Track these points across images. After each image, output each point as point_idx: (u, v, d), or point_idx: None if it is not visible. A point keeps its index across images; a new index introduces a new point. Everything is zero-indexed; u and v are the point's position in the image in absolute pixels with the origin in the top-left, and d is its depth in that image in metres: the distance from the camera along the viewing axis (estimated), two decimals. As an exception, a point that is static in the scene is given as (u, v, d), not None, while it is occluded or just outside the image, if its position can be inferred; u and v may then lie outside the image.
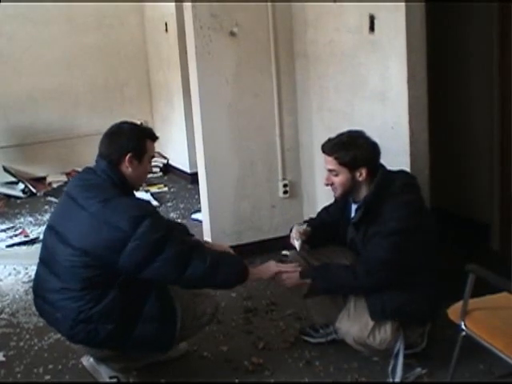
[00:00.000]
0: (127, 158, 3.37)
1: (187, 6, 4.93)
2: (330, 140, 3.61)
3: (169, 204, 6.99)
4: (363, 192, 3.55)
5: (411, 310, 3.48)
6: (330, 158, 3.53)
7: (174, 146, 7.59)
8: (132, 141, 3.41)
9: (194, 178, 6.92)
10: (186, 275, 3.26)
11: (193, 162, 7.01)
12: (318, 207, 5.19)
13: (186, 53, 5.24)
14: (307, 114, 5.18)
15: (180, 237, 3.44)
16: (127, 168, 3.38)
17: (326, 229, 3.85)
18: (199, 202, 5.75)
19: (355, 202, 3.63)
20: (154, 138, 3.53)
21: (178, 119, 7.55)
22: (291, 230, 3.80)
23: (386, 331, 3.45)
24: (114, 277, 3.27)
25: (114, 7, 8.14)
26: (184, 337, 3.63)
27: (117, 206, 3.24)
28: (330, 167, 3.53)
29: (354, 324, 3.50)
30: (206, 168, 5.14)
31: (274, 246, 5.30)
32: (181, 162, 7.73)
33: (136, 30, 8.35)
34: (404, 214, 3.41)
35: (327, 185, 3.61)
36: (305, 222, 3.94)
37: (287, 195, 5.36)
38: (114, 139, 3.42)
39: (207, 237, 5.25)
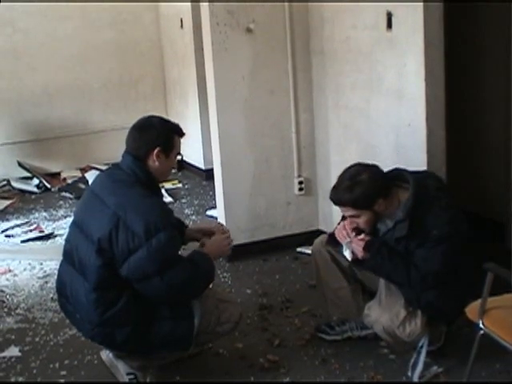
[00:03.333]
0: (155, 152, 3.35)
1: (204, 2, 4.93)
2: (334, 190, 3.54)
3: (183, 200, 7.00)
4: (390, 209, 3.49)
5: (443, 307, 3.47)
6: (345, 208, 3.51)
7: (189, 143, 7.54)
8: (162, 135, 3.39)
9: (208, 174, 6.95)
10: (177, 297, 3.35)
11: (207, 158, 7.03)
12: (333, 204, 5.18)
13: (202, 49, 5.25)
14: (323, 111, 5.16)
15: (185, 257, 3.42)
16: (154, 162, 3.37)
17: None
18: (214, 199, 5.76)
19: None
20: (182, 134, 3.51)
21: (192, 116, 7.56)
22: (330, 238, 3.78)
23: (416, 324, 3.45)
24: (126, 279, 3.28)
25: (129, 4, 8.14)
26: (205, 341, 3.63)
27: (137, 208, 3.24)
28: (349, 214, 3.51)
29: (385, 313, 3.50)
30: (221, 164, 5.14)
31: (289, 243, 5.32)
32: (195, 158, 7.73)
33: (151, 27, 8.36)
34: (445, 219, 3.38)
35: (354, 228, 3.56)
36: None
37: (303, 192, 5.35)
38: (143, 133, 3.41)
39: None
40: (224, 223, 5.22)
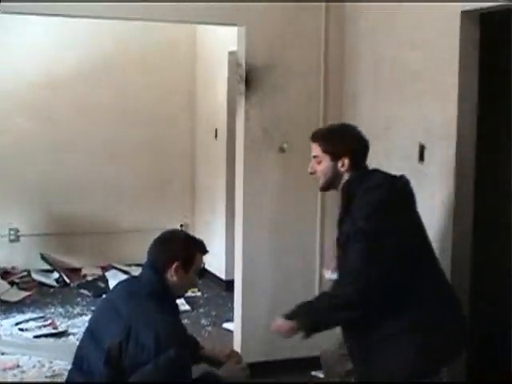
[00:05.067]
0: (174, 266, 3.32)
1: (240, 118, 5.03)
2: (320, 128, 3.74)
3: (201, 310, 6.91)
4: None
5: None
6: (314, 144, 3.54)
7: (212, 251, 7.44)
8: (183, 250, 3.37)
9: (228, 285, 6.88)
10: None
11: (229, 269, 6.99)
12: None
13: (234, 160, 5.29)
14: (349, 235, 5.13)
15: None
16: (172, 276, 3.34)
17: None
18: (232, 311, 5.69)
19: None
20: (205, 251, 3.50)
21: (218, 225, 7.56)
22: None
23: None
24: None
25: (167, 104, 8.27)
26: None
27: (149, 322, 3.18)
28: (314, 153, 3.54)
29: None
30: (242, 279, 5.11)
31: (306, 365, 5.20)
32: (217, 267, 7.68)
33: (186, 129, 8.44)
34: (364, 214, 3.30)
35: (311, 173, 3.61)
36: None
37: (322, 315, 5.26)
38: (165, 245, 3.40)
39: (237, 347, 5.18)
40: (240, 337, 5.16)
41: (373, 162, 4.73)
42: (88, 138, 8.06)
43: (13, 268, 7.83)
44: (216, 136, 7.65)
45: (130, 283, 3.49)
